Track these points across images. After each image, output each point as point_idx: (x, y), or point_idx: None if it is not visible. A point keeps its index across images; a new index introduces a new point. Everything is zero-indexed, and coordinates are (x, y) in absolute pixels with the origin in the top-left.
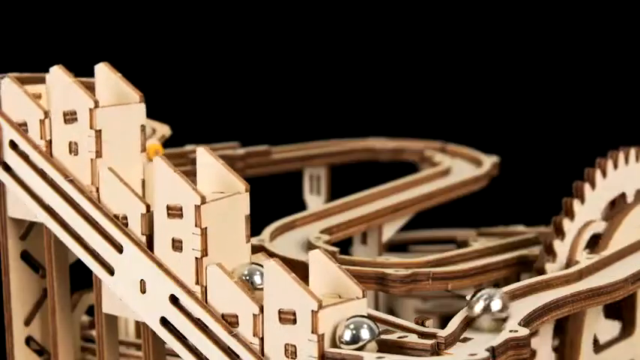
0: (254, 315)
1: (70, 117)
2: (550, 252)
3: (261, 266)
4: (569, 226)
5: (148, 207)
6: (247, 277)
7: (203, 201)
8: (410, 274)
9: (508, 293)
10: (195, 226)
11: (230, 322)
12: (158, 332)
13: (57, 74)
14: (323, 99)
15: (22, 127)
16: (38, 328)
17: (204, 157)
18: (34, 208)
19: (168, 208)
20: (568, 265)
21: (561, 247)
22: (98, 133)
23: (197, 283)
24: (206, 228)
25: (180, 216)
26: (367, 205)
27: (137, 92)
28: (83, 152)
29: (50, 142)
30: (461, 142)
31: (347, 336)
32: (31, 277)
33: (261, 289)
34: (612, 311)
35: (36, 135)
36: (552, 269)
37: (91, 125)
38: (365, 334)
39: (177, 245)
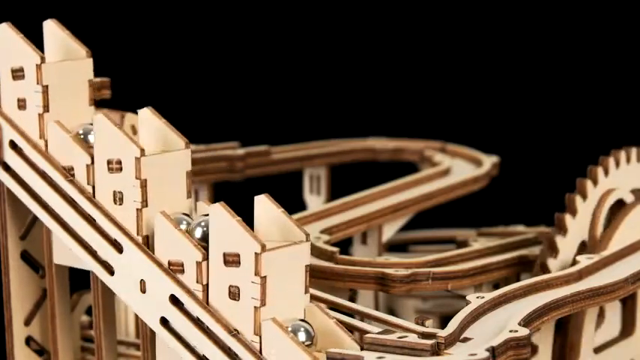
0: (197, 262)
1: (17, 74)
2: (553, 250)
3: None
4: (571, 222)
5: (92, 157)
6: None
7: (142, 154)
8: (410, 274)
9: None
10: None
11: (175, 270)
12: (158, 332)
13: (3, 31)
14: (323, 99)
15: None
16: (38, 328)
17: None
18: (34, 207)
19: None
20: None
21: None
22: (45, 88)
23: (138, 233)
24: (145, 179)
25: (120, 169)
26: (367, 205)
27: (84, 48)
28: (31, 107)
29: None
30: (461, 142)
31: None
32: (31, 277)
33: None
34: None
35: None
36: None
37: (38, 81)
38: (302, 337)
39: (118, 197)
